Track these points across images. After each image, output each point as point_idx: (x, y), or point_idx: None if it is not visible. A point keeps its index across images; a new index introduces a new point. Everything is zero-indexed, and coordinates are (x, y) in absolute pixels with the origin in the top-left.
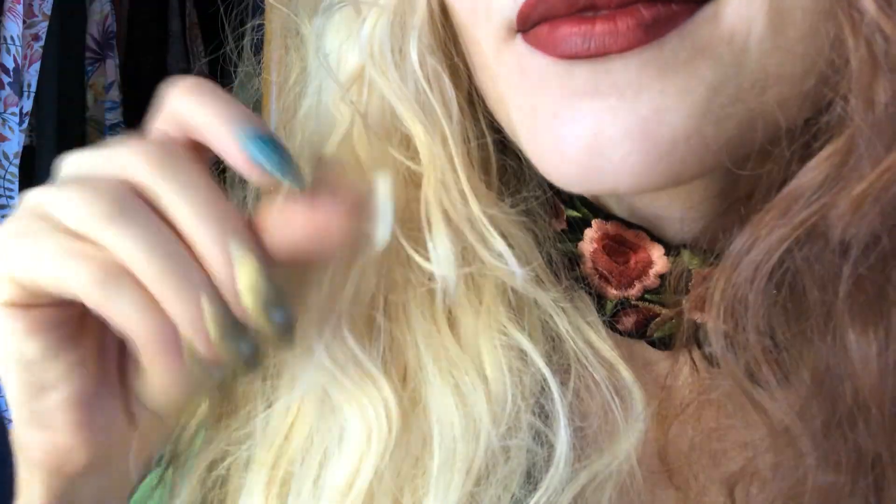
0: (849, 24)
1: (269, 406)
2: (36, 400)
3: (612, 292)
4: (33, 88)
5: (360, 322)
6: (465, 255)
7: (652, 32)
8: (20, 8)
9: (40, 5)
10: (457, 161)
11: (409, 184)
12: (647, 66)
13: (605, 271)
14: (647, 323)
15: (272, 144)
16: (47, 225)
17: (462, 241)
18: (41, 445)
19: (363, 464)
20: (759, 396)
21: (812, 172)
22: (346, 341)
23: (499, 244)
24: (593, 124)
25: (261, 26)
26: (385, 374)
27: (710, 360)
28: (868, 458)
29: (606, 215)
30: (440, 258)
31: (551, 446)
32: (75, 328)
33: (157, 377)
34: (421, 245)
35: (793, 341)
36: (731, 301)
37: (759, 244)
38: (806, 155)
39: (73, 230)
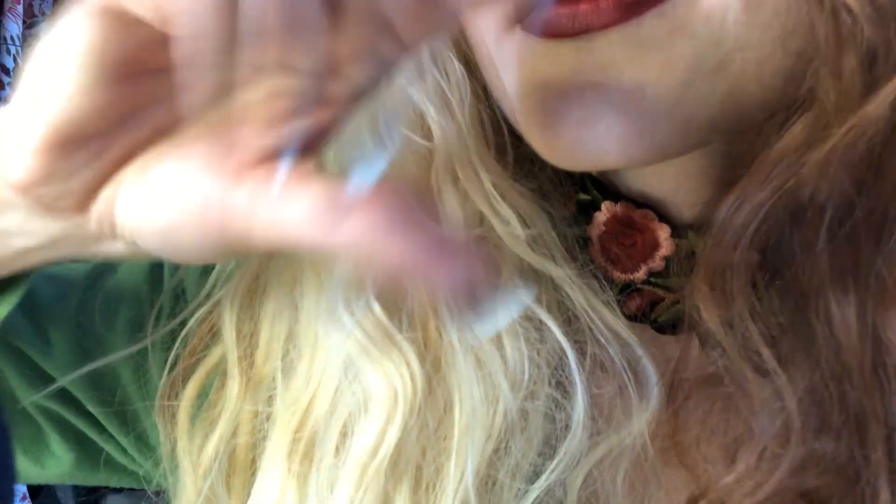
0: (817, 0)
1: (291, 371)
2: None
3: (618, 275)
4: None
5: (387, 293)
6: (473, 218)
7: (631, 11)
8: (20, 8)
9: (40, 5)
10: (468, 138)
11: (427, 161)
12: (627, 43)
13: (612, 254)
14: (652, 307)
15: None
16: None
17: (470, 205)
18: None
19: (390, 425)
20: (751, 360)
21: (788, 139)
22: (374, 311)
23: (505, 210)
24: (580, 101)
25: None
26: (410, 341)
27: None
28: (852, 415)
29: (616, 197)
30: (448, 219)
31: (568, 416)
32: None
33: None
34: (434, 215)
35: (781, 307)
36: (717, 265)
37: (743, 207)
38: (785, 126)
39: None
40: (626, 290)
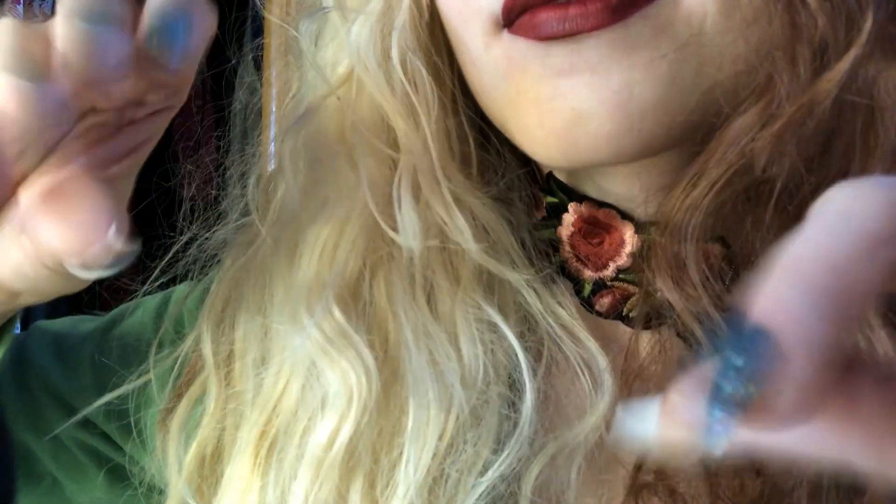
0: None
1: (261, 375)
2: None
3: (588, 274)
4: None
5: (347, 296)
6: (432, 229)
7: (618, 14)
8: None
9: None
10: (433, 150)
11: (391, 169)
12: (614, 44)
13: (581, 254)
14: (623, 303)
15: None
16: None
17: (428, 216)
18: None
19: (344, 423)
20: (704, 325)
21: (743, 120)
22: (333, 314)
23: (460, 221)
24: (572, 99)
25: (261, 35)
26: (368, 343)
27: (677, 333)
28: None
29: (581, 198)
30: (406, 229)
31: (519, 413)
32: None
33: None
34: (395, 221)
35: (734, 282)
36: (673, 235)
37: (699, 184)
38: (740, 109)
39: None
40: (597, 288)
